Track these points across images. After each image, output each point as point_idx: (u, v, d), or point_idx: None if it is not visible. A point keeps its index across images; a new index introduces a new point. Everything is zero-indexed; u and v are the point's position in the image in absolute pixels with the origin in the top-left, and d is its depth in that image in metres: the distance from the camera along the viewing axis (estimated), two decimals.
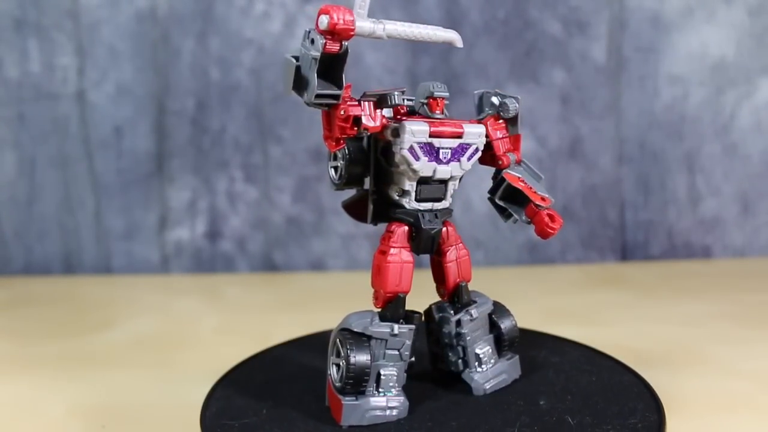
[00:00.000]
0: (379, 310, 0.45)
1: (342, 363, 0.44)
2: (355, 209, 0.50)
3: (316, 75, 0.39)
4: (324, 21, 0.39)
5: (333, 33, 0.39)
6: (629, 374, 0.50)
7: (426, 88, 0.46)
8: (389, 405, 0.44)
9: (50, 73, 0.92)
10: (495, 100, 0.47)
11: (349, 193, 0.49)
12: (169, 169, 0.93)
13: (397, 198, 0.45)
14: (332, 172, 0.47)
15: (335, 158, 0.46)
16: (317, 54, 0.39)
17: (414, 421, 0.44)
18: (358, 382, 0.43)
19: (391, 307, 0.45)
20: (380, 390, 0.44)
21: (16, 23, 0.91)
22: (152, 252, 0.95)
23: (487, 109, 0.48)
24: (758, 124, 0.91)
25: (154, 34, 0.91)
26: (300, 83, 0.40)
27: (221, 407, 0.47)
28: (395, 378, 0.44)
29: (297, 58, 0.40)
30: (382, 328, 0.44)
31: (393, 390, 0.44)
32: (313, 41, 0.39)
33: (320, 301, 0.82)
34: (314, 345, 0.58)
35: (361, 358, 0.43)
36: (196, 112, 0.92)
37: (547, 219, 0.45)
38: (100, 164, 0.93)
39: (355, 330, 0.44)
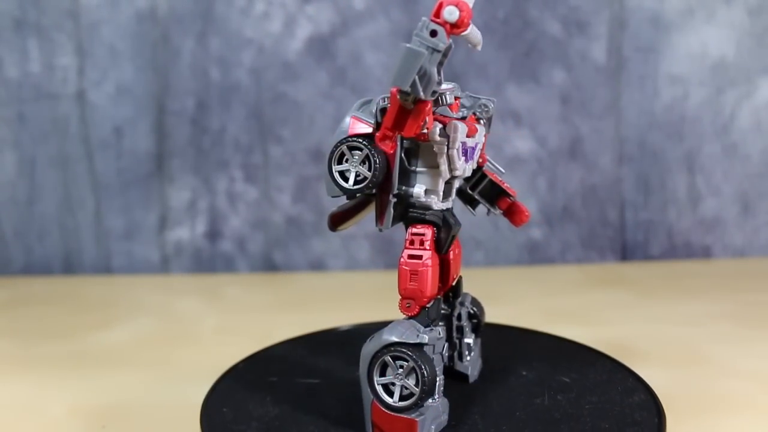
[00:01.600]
0: (412, 316, 0.43)
1: (398, 381, 0.42)
2: (342, 216, 0.49)
3: (436, 69, 0.38)
4: (455, 13, 0.37)
5: (457, 25, 0.37)
6: (629, 374, 0.50)
7: None
8: (443, 409, 0.43)
9: (50, 73, 0.92)
10: (466, 101, 0.47)
11: (340, 200, 0.47)
12: (169, 169, 0.93)
13: (423, 199, 0.44)
14: (341, 176, 0.43)
15: (344, 161, 0.43)
16: (444, 46, 0.37)
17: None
18: (430, 393, 0.42)
19: (432, 311, 0.43)
20: (435, 396, 0.43)
21: (16, 23, 0.91)
22: (152, 252, 0.95)
23: (463, 109, 0.48)
24: (758, 124, 0.91)
25: (154, 34, 0.91)
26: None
27: (221, 407, 0.47)
28: (443, 381, 0.44)
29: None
30: (432, 334, 0.42)
31: (439, 393, 0.43)
32: (434, 33, 0.37)
33: (320, 301, 0.82)
34: (314, 344, 0.58)
35: (431, 368, 0.41)
36: (196, 112, 0.92)
37: (523, 208, 0.49)
38: (100, 164, 0.93)
39: (410, 342, 0.41)
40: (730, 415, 0.49)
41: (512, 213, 0.49)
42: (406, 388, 0.42)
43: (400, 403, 0.42)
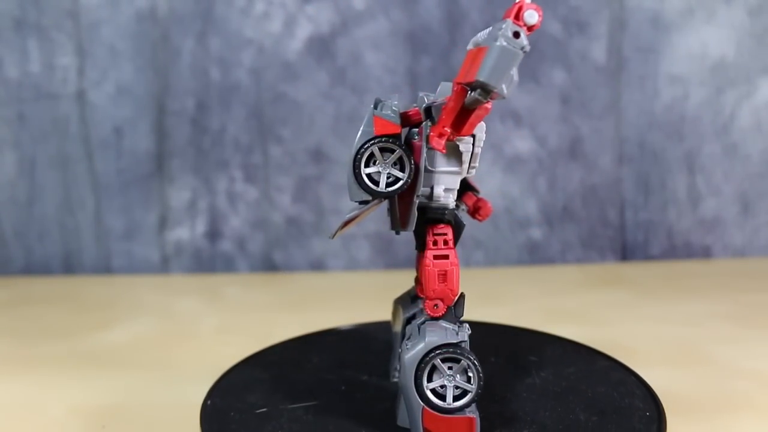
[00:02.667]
0: (440, 315, 0.43)
1: (450, 383, 0.41)
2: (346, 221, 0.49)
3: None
4: (534, 16, 0.37)
5: (533, 29, 0.38)
6: (629, 374, 0.50)
7: (449, 88, 0.45)
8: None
9: (50, 73, 0.92)
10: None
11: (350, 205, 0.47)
12: (169, 169, 0.93)
13: (443, 199, 0.43)
14: (370, 179, 0.41)
15: (373, 163, 0.41)
16: (528, 48, 0.37)
17: None
18: (481, 388, 0.42)
19: (459, 309, 0.43)
20: None
21: (16, 23, 0.91)
22: (152, 252, 0.95)
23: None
24: (758, 124, 0.91)
25: (154, 34, 0.91)
26: None
27: (221, 407, 0.47)
28: None
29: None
30: (464, 331, 0.42)
31: None
32: (516, 35, 0.37)
33: (320, 301, 0.82)
34: (314, 344, 0.58)
35: (478, 362, 0.41)
36: (196, 112, 0.92)
37: (487, 202, 0.48)
38: (100, 164, 0.93)
39: (454, 341, 0.41)
40: (731, 415, 0.49)
41: (478, 209, 0.48)
42: (458, 388, 0.41)
43: (455, 403, 0.41)
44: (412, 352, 0.41)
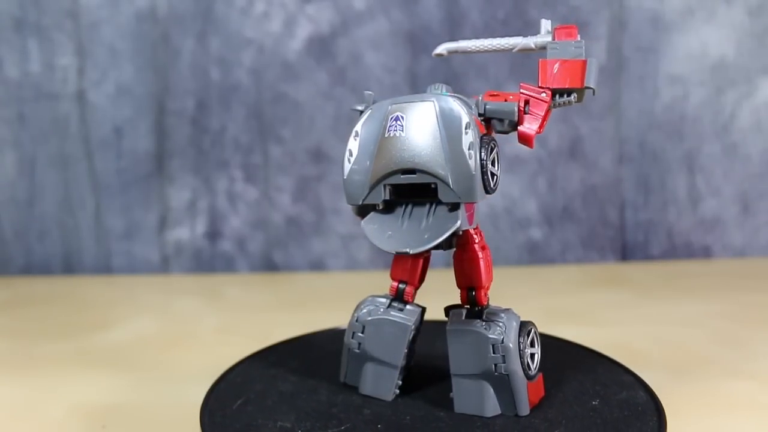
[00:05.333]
0: (487, 301, 0.46)
1: (537, 351, 0.46)
2: None
3: None
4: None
5: None
6: (629, 375, 0.50)
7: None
8: None
9: (50, 73, 0.92)
10: None
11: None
12: (169, 169, 0.93)
13: None
14: (493, 178, 0.42)
15: (494, 163, 0.42)
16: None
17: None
18: None
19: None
20: None
21: (16, 23, 0.91)
22: (152, 252, 0.95)
23: None
24: (758, 124, 0.91)
25: (154, 34, 0.91)
26: None
27: (221, 407, 0.47)
28: None
29: None
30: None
31: None
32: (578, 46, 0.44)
33: (320, 301, 0.82)
34: (314, 344, 0.58)
35: None
36: (196, 112, 0.92)
37: None
38: (100, 164, 0.93)
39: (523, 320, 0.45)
40: (730, 415, 0.49)
41: None
42: (533, 356, 0.45)
43: (533, 371, 0.45)
44: (513, 335, 0.44)
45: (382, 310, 0.47)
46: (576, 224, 0.93)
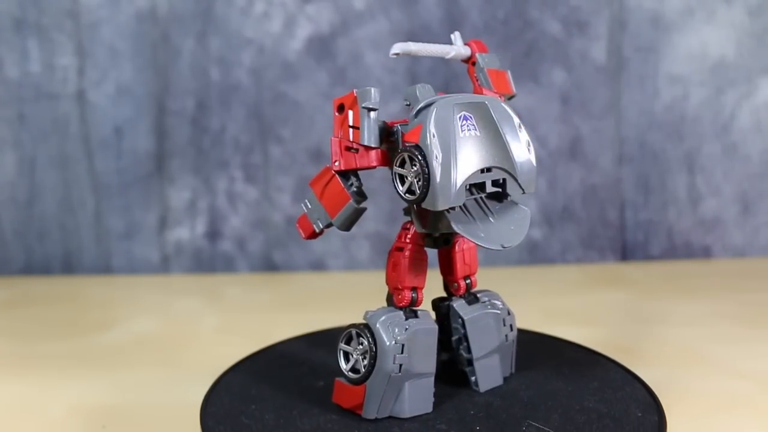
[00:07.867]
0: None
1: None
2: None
3: None
4: None
5: None
6: (628, 375, 0.50)
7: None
8: None
9: (50, 73, 0.92)
10: None
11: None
12: (169, 169, 0.93)
13: None
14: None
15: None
16: None
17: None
18: None
19: None
20: None
21: (16, 23, 0.91)
22: (152, 252, 0.95)
23: None
24: (758, 124, 0.91)
25: (154, 34, 0.91)
26: None
27: (221, 406, 0.47)
28: None
29: None
30: None
31: None
32: None
33: (320, 301, 0.82)
34: (314, 344, 0.59)
35: None
36: (196, 112, 0.92)
37: None
38: (100, 164, 0.93)
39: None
40: (730, 415, 0.49)
41: None
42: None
43: None
44: (505, 305, 0.50)
45: (408, 324, 0.45)
46: (576, 224, 0.93)
